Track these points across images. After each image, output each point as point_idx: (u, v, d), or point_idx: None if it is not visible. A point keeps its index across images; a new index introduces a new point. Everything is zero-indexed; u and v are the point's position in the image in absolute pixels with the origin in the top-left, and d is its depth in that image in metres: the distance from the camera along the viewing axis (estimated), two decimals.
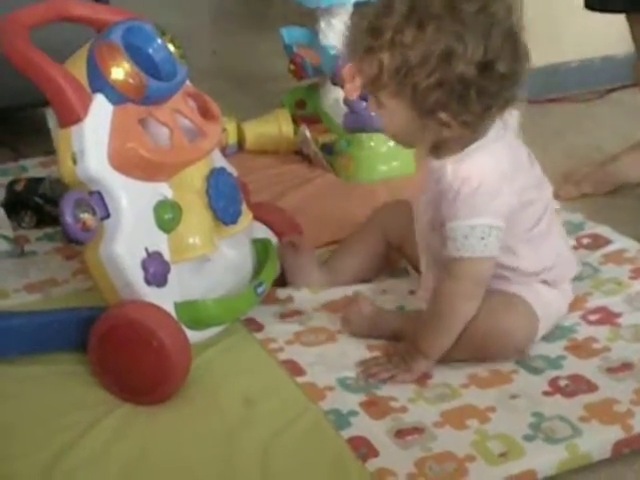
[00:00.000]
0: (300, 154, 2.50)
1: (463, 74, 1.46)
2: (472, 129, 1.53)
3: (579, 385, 1.56)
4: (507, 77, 1.49)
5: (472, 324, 1.57)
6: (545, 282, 1.67)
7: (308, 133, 2.44)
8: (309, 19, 2.53)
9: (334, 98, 2.42)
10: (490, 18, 1.47)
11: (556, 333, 1.69)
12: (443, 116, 1.50)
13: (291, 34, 2.57)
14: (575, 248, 1.96)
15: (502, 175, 1.55)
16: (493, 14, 1.48)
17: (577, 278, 1.82)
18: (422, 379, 1.59)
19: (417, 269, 1.79)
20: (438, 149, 1.59)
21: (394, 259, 1.91)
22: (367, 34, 1.51)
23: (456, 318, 1.58)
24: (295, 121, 2.54)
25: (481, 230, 1.53)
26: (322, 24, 2.44)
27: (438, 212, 1.59)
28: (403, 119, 1.54)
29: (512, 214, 1.57)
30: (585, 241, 2.01)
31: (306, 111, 2.57)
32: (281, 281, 1.86)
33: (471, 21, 1.46)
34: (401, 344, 1.65)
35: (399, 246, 1.86)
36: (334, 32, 2.40)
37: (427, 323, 1.61)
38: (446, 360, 1.60)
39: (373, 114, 1.69)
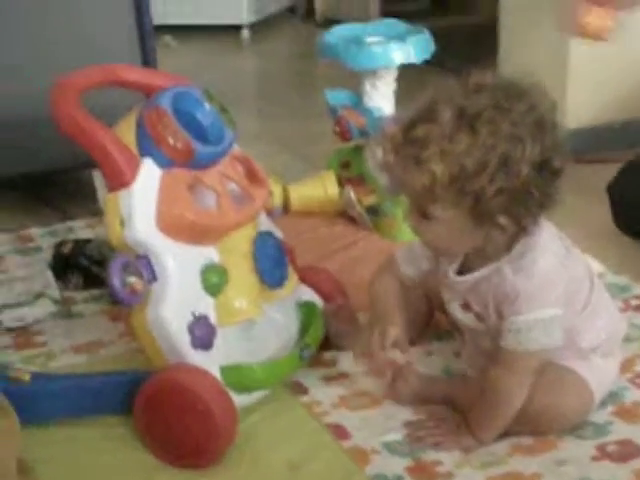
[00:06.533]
0: (345, 216, 2.51)
1: (524, 177, 1.42)
2: (527, 230, 1.49)
3: (628, 450, 1.54)
4: (559, 173, 1.46)
5: (527, 403, 1.54)
6: (603, 355, 1.64)
7: (353, 195, 2.45)
8: (353, 81, 2.55)
9: (378, 159, 2.42)
10: (540, 116, 1.44)
11: (604, 398, 1.66)
12: (502, 220, 1.46)
13: (335, 96, 2.58)
14: (623, 310, 1.95)
15: (558, 262, 1.52)
16: (542, 112, 1.45)
17: (626, 340, 1.81)
18: None
19: (459, 330, 1.75)
20: (480, 254, 1.54)
21: (439, 319, 1.90)
22: (411, 144, 1.45)
23: (512, 408, 1.54)
24: (340, 182, 2.55)
25: (543, 322, 1.50)
26: (367, 86, 2.46)
27: (495, 315, 1.56)
28: (457, 228, 1.48)
29: (569, 295, 1.55)
30: (634, 302, 2.00)
31: (351, 172, 2.56)
32: (326, 343, 1.86)
33: (523, 121, 1.43)
34: (455, 416, 1.63)
35: (440, 305, 1.79)
36: (379, 94, 2.42)
37: (482, 412, 1.57)
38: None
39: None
